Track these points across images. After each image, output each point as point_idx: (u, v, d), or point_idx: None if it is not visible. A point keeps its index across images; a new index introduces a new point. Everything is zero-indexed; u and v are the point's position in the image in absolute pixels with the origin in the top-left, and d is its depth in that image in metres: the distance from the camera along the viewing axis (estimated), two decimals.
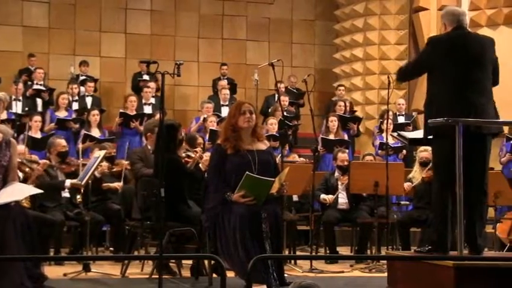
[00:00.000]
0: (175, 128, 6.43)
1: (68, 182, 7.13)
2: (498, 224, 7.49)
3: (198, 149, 6.78)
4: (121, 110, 10.60)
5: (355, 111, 12.42)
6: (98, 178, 7.59)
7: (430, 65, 5.17)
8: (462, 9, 5.39)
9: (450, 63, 5.09)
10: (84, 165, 7.34)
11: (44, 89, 11.31)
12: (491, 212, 7.91)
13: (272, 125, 10.27)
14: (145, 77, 12.04)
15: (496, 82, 5.27)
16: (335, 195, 8.11)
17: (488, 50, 5.18)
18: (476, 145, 5.01)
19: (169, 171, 5.81)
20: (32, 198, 6.78)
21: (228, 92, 11.82)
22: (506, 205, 7.96)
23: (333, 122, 10.58)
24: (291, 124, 10.93)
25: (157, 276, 5.16)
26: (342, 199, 8.19)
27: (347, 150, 8.84)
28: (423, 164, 7.92)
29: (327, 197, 8.08)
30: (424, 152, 7.91)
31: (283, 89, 12.20)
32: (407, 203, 8.63)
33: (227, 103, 11.60)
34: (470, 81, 5.07)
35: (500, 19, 11.77)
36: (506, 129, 10.63)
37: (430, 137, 5.21)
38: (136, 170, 6.65)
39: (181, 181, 6.26)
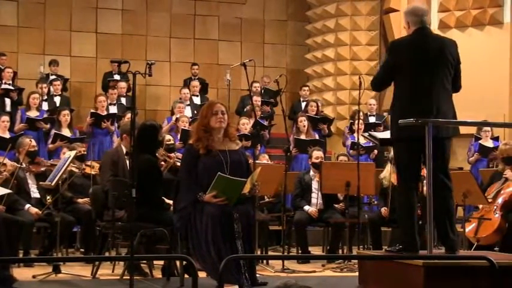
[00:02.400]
0: (156, 128, 6.42)
1: (27, 206, 7.07)
2: (466, 224, 7.57)
3: (174, 155, 6.76)
4: (92, 110, 10.53)
5: (322, 111, 12.46)
6: (68, 184, 7.56)
7: (395, 68, 5.23)
8: (425, 8, 5.41)
9: (411, 65, 5.16)
10: (54, 165, 7.28)
11: (12, 88, 11.19)
12: (460, 211, 8.01)
13: (244, 125, 10.27)
14: (116, 76, 11.96)
15: (457, 87, 5.32)
16: (317, 206, 8.13)
17: (449, 51, 5.22)
18: (436, 146, 5.06)
19: (144, 171, 5.80)
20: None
21: (187, 91, 11.75)
22: (475, 204, 8.04)
23: (303, 122, 10.61)
24: (265, 124, 10.94)
25: (128, 277, 5.13)
26: (315, 200, 8.22)
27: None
28: (393, 161, 7.95)
29: (312, 211, 8.09)
30: None
31: (259, 89, 12.21)
32: (376, 202, 8.68)
33: (188, 103, 11.56)
34: (429, 82, 5.12)
35: (469, 21, 11.91)
36: (474, 129, 10.77)
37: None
38: (104, 181, 6.60)
39: (156, 182, 6.24)
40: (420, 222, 5.89)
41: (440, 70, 5.15)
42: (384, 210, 7.87)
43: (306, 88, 12.63)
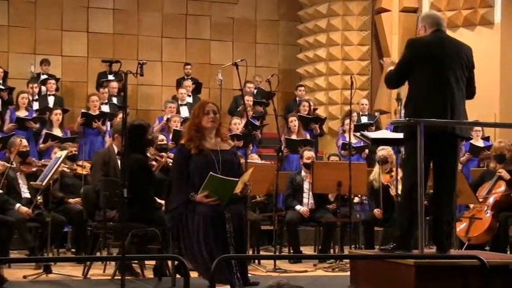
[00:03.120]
0: (144, 128, 6.41)
1: (17, 206, 7.05)
2: (457, 223, 7.59)
3: (165, 155, 6.75)
4: (83, 110, 10.50)
5: (316, 109, 12.49)
6: (60, 184, 7.54)
7: (411, 65, 5.23)
8: (439, 14, 5.50)
9: (427, 63, 5.17)
10: (45, 165, 7.26)
11: (3, 88, 11.15)
12: None
13: (236, 125, 10.27)
14: (110, 76, 11.94)
15: (471, 92, 5.34)
16: (308, 206, 8.13)
17: (466, 54, 5.26)
18: (447, 146, 5.08)
19: (135, 171, 5.80)
20: None
21: (184, 91, 11.76)
22: (466, 204, 8.07)
23: (293, 122, 10.62)
24: (257, 124, 10.94)
25: (119, 277, 5.12)
26: (307, 199, 8.23)
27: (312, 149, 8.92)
28: (380, 162, 7.98)
29: (303, 210, 8.10)
30: (382, 151, 7.97)
31: (252, 89, 12.21)
32: (366, 202, 8.69)
33: (185, 102, 11.57)
34: (445, 82, 5.14)
35: (460, 21, 11.95)
36: None
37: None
38: (95, 180, 6.59)
39: (146, 182, 6.23)
40: (427, 218, 5.91)
41: (457, 70, 5.18)
42: (377, 211, 7.88)
43: (302, 88, 12.63)
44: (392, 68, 5.45)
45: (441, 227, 5.18)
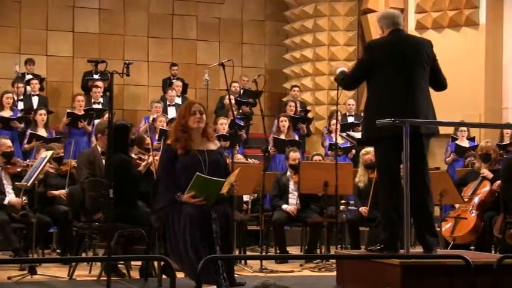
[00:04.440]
0: (126, 128, 6.39)
1: (7, 200, 7.01)
2: (442, 223, 7.63)
3: (151, 154, 6.73)
4: (68, 110, 10.45)
5: (309, 110, 12.50)
6: (44, 184, 7.50)
7: (371, 68, 5.26)
8: (397, 11, 5.50)
9: (387, 65, 5.20)
10: (30, 165, 7.22)
11: None
12: (436, 210, 8.06)
13: (222, 125, 10.26)
14: (96, 76, 11.89)
15: (442, 84, 5.36)
16: (295, 205, 8.14)
17: (425, 50, 5.27)
18: (415, 145, 5.09)
19: (119, 170, 5.78)
20: None
21: (174, 93, 11.75)
22: (451, 204, 8.11)
23: (284, 123, 10.64)
24: (242, 125, 10.94)
25: (105, 278, 5.10)
26: (293, 199, 8.24)
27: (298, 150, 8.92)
28: (368, 167, 8.00)
29: (289, 209, 8.10)
30: (367, 155, 7.99)
31: (238, 88, 12.21)
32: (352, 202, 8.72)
33: (173, 103, 11.56)
34: (408, 81, 5.17)
35: (445, 22, 12.01)
36: (451, 129, 10.86)
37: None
38: (81, 178, 6.57)
39: (131, 181, 6.21)
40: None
41: (416, 69, 5.19)
42: (363, 209, 7.90)
43: (297, 88, 12.65)
44: (342, 69, 5.50)
45: (421, 226, 5.20)
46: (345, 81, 5.49)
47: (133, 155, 6.56)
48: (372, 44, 5.53)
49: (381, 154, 5.32)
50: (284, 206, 8.13)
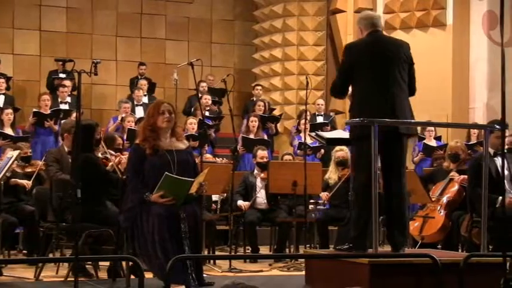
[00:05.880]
0: (92, 127, 6.34)
1: None
2: (410, 222, 7.68)
3: (118, 155, 6.67)
4: (34, 109, 10.34)
5: (274, 109, 12.52)
6: (9, 177, 7.40)
7: (351, 69, 5.29)
8: (377, 13, 5.54)
9: (366, 66, 5.23)
10: None
11: None
12: None
13: (191, 125, 10.24)
14: (62, 75, 11.77)
15: (412, 90, 5.40)
16: (251, 201, 8.13)
17: (404, 52, 5.33)
18: (393, 144, 5.13)
19: (85, 170, 5.74)
20: None
21: (141, 93, 11.68)
22: (419, 203, 8.17)
23: (253, 122, 10.65)
24: (211, 124, 10.92)
25: (73, 279, 5.05)
26: (261, 199, 8.24)
27: (266, 149, 8.92)
28: (339, 164, 8.06)
29: (242, 204, 8.10)
30: (340, 152, 8.05)
31: (206, 89, 12.18)
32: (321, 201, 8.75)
33: (141, 103, 11.50)
34: (386, 83, 5.20)
35: (413, 22, 12.12)
36: (418, 129, 10.96)
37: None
38: (52, 173, 6.52)
39: (98, 181, 6.17)
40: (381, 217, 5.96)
41: (396, 70, 5.24)
42: (324, 195, 7.92)
43: (259, 87, 12.68)
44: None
45: (392, 226, 5.24)
46: (333, 88, 5.50)
47: (99, 155, 6.51)
48: (351, 46, 5.55)
49: (360, 153, 5.33)
50: (239, 202, 8.10)
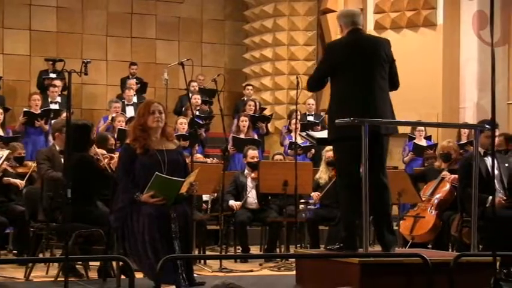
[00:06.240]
0: (88, 127, 6.35)
1: None
2: (401, 221, 7.70)
3: (109, 155, 6.66)
4: (25, 109, 10.30)
5: (264, 108, 12.53)
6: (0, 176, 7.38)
7: (331, 69, 5.30)
8: (356, 10, 5.54)
9: (346, 65, 5.25)
10: None
11: None
12: (395, 209, 8.16)
13: (182, 125, 10.22)
14: (52, 75, 11.74)
15: (395, 85, 5.42)
16: (243, 201, 8.13)
17: (383, 50, 5.33)
18: (373, 145, 5.13)
19: (79, 169, 5.73)
20: None
21: (131, 92, 11.67)
22: (409, 202, 8.19)
23: (244, 122, 10.65)
24: (201, 123, 10.92)
25: (63, 279, 5.03)
26: (251, 199, 8.24)
27: (257, 149, 8.92)
28: (330, 164, 8.07)
29: (234, 204, 8.10)
30: (331, 152, 8.04)
31: (197, 88, 12.18)
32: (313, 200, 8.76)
33: (131, 103, 11.49)
34: (367, 81, 5.21)
35: (404, 22, 12.14)
36: (408, 129, 10.99)
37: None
38: (43, 171, 6.50)
39: (91, 180, 6.16)
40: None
41: (375, 69, 5.24)
42: (316, 195, 7.93)
43: (250, 87, 12.68)
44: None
45: (380, 225, 5.25)
46: (309, 83, 5.53)
47: (92, 155, 6.49)
48: (331, 45, 5.59)
49: (340, 154, 5.35)
50: (231, 202, 8.09)
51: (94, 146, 6.54)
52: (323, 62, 5.51)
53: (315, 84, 5.54)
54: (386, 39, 5.48)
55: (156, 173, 5.25)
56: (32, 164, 7.81)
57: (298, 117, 9.08)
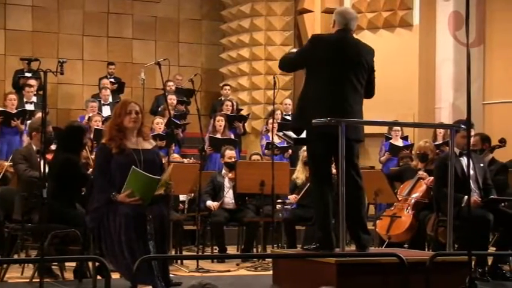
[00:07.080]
0: (82, 131, 6.34)
1: None
2: (378, 221, 7.74)
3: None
4: (0, 108, 10.20)
5: (241, 109, 12.53)
6: None
7: (309, 60, 5.30)
8: (354, 14, 5.51)
9: (328, 64, 5.24)
10: None
11: None
12: (371, 209, 8.19)
13: (158, 125, 10.19)
14: (28, 74, 11.63)
15: (369, 93, 5.44)
16: (220, 201, 8.12)
17: (366, 57, 5.34)
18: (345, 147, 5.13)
19: (63, 169, 5.70)
20: None
21: (108, 92, 11.61)
22: (386, 202, 8.23)
23: (220, 122, 10.64)
24: (179, 123, 10.89)
25: (38, 280, 5.00)
26: (228, 199, 8.23)
27: (234, 149, 8.92)
28: (307, 164, 8.06)
29: (212, 204, 8.08)
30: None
31: (173, 88, 12.14)
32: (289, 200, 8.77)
33: (108, 102, 11.43)
34: (342, 83, 5.21)
35: (380, 23, 12.21)
36: (385, 129, 11.05)
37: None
38: (21, 170, 6.44)
39: (73, 182, 6.12)
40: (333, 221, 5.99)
41: (354, 73, 5.24)
42: (293, 197, 7.97)
43: (227, 87, 12.67)
44: (294, 50, 5.56)
45: (355, 225, 5.26)
46: (283, 62, 5.54)
47: (82, 159, 6.49)
48: (317, 37, 5.55)
49: (312, 153, 5.37)
50: (208, 203, 8.08)
51: (86, 149, 6.54)
52: (305, 51, 5.46)
53: (288, 67, 5.67)
54: (371, 48, 5.46)
55: (133, 167, 5.22)
56: (5, 164, 7.73)
57: (276, 117, 9.09)
